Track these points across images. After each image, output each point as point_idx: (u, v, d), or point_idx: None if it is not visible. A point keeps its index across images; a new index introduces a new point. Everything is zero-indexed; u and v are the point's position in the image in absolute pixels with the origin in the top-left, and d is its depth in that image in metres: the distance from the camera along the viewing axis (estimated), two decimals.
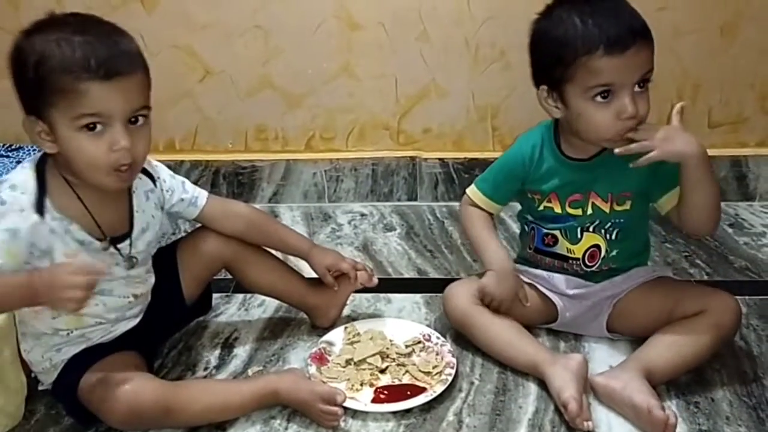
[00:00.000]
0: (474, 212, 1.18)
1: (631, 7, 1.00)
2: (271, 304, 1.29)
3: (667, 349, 1.04)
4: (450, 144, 1.65)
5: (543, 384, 1.05)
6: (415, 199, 1.69)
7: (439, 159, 1.65)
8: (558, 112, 1.04)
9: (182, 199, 1.09)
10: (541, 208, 1.11)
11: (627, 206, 1.08)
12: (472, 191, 1.18)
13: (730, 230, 1.52)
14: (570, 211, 1.09)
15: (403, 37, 1.56)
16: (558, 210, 1.10)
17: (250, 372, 1.12)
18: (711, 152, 1.56)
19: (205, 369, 1.12)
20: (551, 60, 1.01)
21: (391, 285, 1.35)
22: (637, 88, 0.97)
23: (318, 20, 1.55)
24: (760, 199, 1.62)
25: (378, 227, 1.59)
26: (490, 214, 1.18)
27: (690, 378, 1.06)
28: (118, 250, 0.98)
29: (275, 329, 1.22)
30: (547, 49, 1.02)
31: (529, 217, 1.15)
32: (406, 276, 1.39)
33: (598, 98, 0.98)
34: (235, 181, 1.69)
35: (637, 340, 1.11)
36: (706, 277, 1.34)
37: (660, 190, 1.08)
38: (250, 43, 1.57)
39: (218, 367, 1.13)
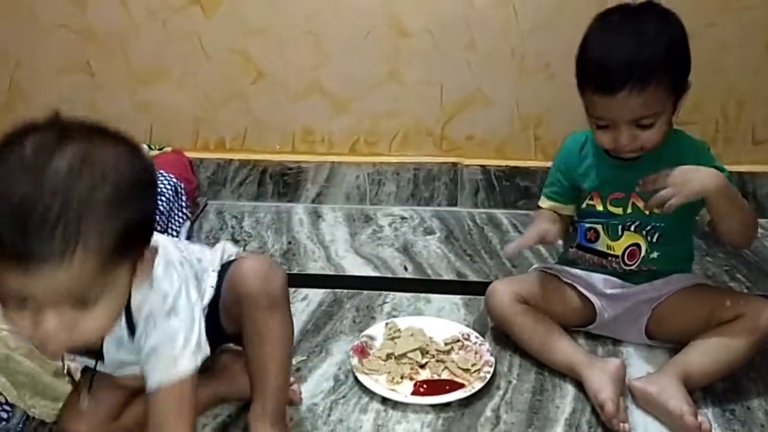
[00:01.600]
0: (542, 211, 1.21)
1: (654, 38, 1.00)
2: (314, 298, 1.34)
3: (704, 355, 1.05)
4: (492, 151, 1.68)
5: (580, 385, 1.07)
6: (456, 205, 1.72)
7: (481, 166, 1.68)
8: None
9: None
10: (584, 205, 1.15)
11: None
12: (542, 200, 1.22)
13: None
14: (611, 209, 1.12)
15: (450, 46, 1.60)
16: (600, 208, 1.13)
17: (294, 362, 1.16)
18: (754, 168, 1.61)
19: None
20: (576, 73, 1.06)
21: (430, 286, 1.39)
22: (638, 126, 1.01)
23: (368, 27, 1.60)
24: None
25: (418, 230, 1.62)
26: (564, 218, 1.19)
27: (726, 386, 1.07)
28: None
29: (318, 322, 1.26)
30: (576, 62, 1.06)
31: (574, 216, 1.18)
32: (446, 278, 1.42)
33: (598, 124, 1.04)
34: (281, 181, 1.74)
35: (675, 348, 1.12)
36: (746, 291, 1.34)
37: (699, 202, 1.09)
38: (302, 48, 1.63)
39: None
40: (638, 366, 1.13)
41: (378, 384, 1.08)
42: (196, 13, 1.61)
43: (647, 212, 1.09)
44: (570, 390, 1.08)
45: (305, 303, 1.32)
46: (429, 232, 1.62)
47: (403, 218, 1.68)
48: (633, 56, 0.98)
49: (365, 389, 1.08)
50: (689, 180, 0.99)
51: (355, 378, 1.10)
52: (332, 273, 1.44)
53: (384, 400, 1.06)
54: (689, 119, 1.40)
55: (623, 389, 1.04)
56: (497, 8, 1.56)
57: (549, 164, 1.56)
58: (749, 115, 1.57)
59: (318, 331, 1.24)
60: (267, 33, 1.62)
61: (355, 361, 1.13)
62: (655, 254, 1.12)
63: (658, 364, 1.12)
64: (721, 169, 1.04)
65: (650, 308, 1.14)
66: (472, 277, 1.42)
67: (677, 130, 1.09)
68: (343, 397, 1.07)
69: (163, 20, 1.61)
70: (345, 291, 1.36)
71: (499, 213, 1.69)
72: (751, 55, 1.54)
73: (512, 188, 1.68)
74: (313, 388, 1.09)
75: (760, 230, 1.57)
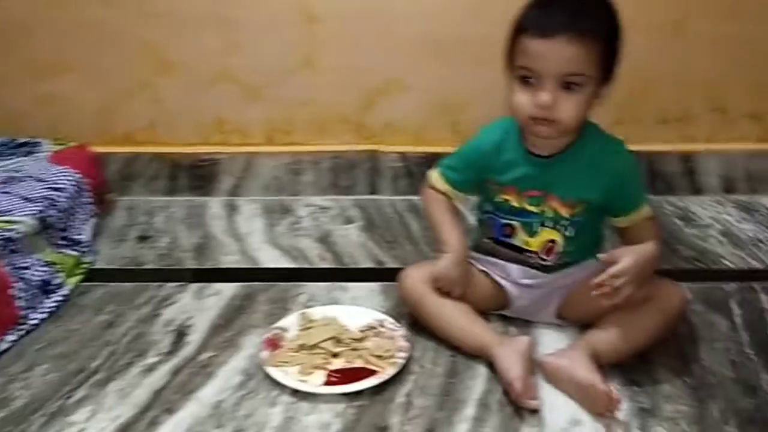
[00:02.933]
0: (435, 195, 1.19)
1: (596, 8, 0.99)
2: (226, 292, 1.29)
3: (614, 333, 1.06)
4: (411, 138, 1.67)
5: (492, 366, 1.06)
6: (376, 193, 1.70)
7: (400, 153, 1.67)
8: None
9: None
10: (500, 199, 1.13)
11: (582, 210, 1.10)
12: (434, 176, 1.20)
13: (680, 223, 1.55)
14: (527, 207, 1.11)
15: (366, 30, 1.58)
16: (515, 204, 1.11)
17: (202, 358, 1.12)
18: (661, 147, 1.64)
19: (157, 355, 1.12)
20: (508, 39, 1.04)
21: (347, 274, 1.36)
22: (563, 87, 0.98)
23: (278, 11, 1.56)
24: (709, 193, 1.66)
25: (338, 220, 1.60)
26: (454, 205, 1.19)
27: (634, 359, 1.08)
28: None
29: (229, 316, 1.22)
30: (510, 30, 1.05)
31: (488, 206, 1.17)
32: (364, 266, 1.40)
33: (523, 81, 1.00)
34: (194, 175, 1.69)
35: (585, 327, 1.13)
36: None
37: (614, 211, 1.10)
38: (210, 33, 1.58)
39: (170, 353, 1.12)
40: (549, 344, 1.13)
41: (287, 376, 1.05)
42: (97, 1, 1.54)
43: (564, 214, 1.09)
44: (482, 371, 1.07)
45: (216, 298, 1.28)
46: (349, 221, 1.59)
47: (322, 208, 1.65)
48: (576, 12, 0.97)
49: (275, 382, 1.05)
50: (641, 276, 1.01)
51: (265, 372, 1.07)
52: (246, 266, 1.40)
53: (294, 392, 1.03)
54: None
55: (532, 367, 1.05)
56: None
57: None
58: (656, 96, 1.60)
59: (228, 326, 1.20)
60: (170, 17, 1.56)
61: (265, 354, 1.09)
62: (570, 248, 1.13)
63: (568, 342, 1.12)
64: (642, 194, 1.10)
65: (562, 293, 1.15)
66: (391, 264, 1.40)
67: (593, 124, 1.08)
68: (252, 391, 1.04)
69: (63, 9, 1.53)
70: (259, 284, 1.32)
71: (419, 200, 1.67)
72: (658, 36, 1.57)
73: None
74: (221, 384, 1.05)
75: (668, 207, 1.62)
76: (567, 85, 0.98)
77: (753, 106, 1.60)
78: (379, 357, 1.09)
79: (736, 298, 1.26)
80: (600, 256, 1.03)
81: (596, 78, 0.99)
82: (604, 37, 0.99)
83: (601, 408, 0.97)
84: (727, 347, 1.13)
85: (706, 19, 1.52)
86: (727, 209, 1.60)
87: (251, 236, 1.52)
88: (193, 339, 1.16)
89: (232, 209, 1.64)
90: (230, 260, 1.42)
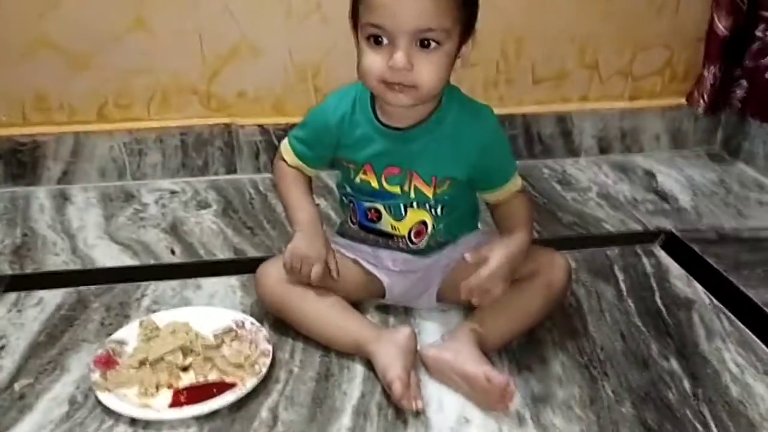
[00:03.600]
0: (285, 169, 1.03)
1: None
2: (51, 300, 1.08)
3: (498, 315, 0.96)
4: (269, 108, 1.49)
5: (370, 364, 0.93)
6: (235, 172, 1.51)
7: (259, 125, 1.49)
8: None
9: None
10: (358, 180, 0.98)
11: (448, 187, 0.97)
12: (285, 148, 1.04)
13: (558, 187, 1.49)
14: (387, 187, 0.97)
15: None
16: (375, 185, 0.97)
17: (17, 387, 0.91)
18: (536, 109, 1.57)
19: None
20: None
21: (201, 269, 1.18)
22: (417, 46, 0.84)
23: None
24: (585, 154, 1.62)
25: (190, 205, 1.40)
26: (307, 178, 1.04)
27: (522, 340, 0.99)
28: None
29: (54, 331, 1.01)
30: None
31: (348, 189, 1.02)
32: (221, 257, 1.22)
33: (372, 41, 0.85)
34: (13, 161, 1.42)
35: (469, 307, 1.02)
36: (536, 235, 1.28)
37: (482, 186, 0.99)
38: None
39: None
40: (432, 330, 1.02)
41: (124, 401, 0.87)
42: None
43: (428, 194, 0.96)
44: (359, 371, 0.94)
45: (38, 309, 1.06)
46: (203, 205, 1.40)
47: (172, 192, 1.45)
48: None
49: (109, 410, 0.86)
50: (512, 272, 0.92)
51: (96, 398, 0.88)
52: (77, 268, 1.18)
53: (132, 421, 0.85)
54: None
55: (415, 361, 0.93)
56: None
57: None
58: (528, 54, 1.52)
59: (53, 343, 0.99)
60: None
61: (96, 375, 0.90)
62: (441, 226, 1.00)
63: (453, 324, 1.02)
64: (510, 165, 0.99)
65: (441, 275, 1.03)
66: (252, 253, 1.23)
67: (454, 89, 0.95)
68: (80, 424, 0.85)
69: None
70: (92, 288, 1.11)
71: None
72: None
73: None
74: (39, 418, 0.86)
75: (546, 171, 1.56)
76: (424, 43, 0.83)
77: (623, 63, 1.56)
78: (238, 366, 0.93)
79: (619, 263, 1.20)
80: (466, 256, 0.91)
81: (455, 33, 0.86)
82: None
83: (493, 401, 0.86)
84: (615, 318, 1.06)
85: None
86: (603, 170, 1.56)
87: (84, 231, 1.29)
88: (6, 364, 0.95)
89: (62, 200, 1.40)
90: (57, 261, 1.20)
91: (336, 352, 0.97)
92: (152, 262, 1.21)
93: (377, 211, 0.99)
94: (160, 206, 1.39)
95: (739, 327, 1.04)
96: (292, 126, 1.44)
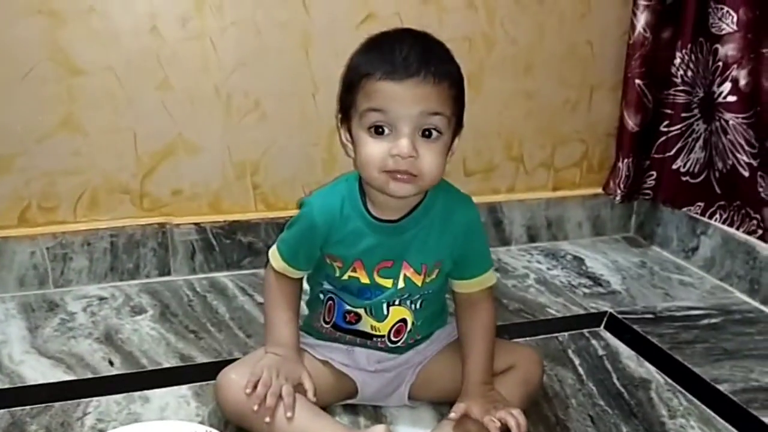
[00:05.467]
0: (271, 282, 1.00)
1: (440, 49, 0.89)
2: None
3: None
4: (206, 206, 1.45)
5: None
6: (169, 274, 1.44)
7: (195, 224, 1.43)
8: (351, 150, 0.92)
9: None
10: (345, 277, 0.96)
11: (436, 276, 0.98)
12: (272, 253, 1.01)
13: (497, 274, 1.52)
14: (379, 281, 0.95)
15: (140, 85, 1.34)
16: (365, 280, 0.95)
17: None
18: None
19: None
20: (343, 87, 0.91)
21: (147, 379, 1.09)
22: (420, 136, 0.86)
23: (28, 64, 1.26)
24: (516, 242, 1.68)
25: (123, 311, 1.30)
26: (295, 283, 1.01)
27: None
28: None
29: None
30: (344, 76, 0.92)
31: (327, 286, 1.00)
32: (166, 365, 1.14)
33: (373, 131, 0.87)
34: None
35: (438, 403, 1.02)
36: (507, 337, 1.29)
37: (461, 272, 1.00)
38: None
39: None
40: (405, 428, 0.99)
41: None
42: None
43: (418, 283, 0.96)
44: None
45: None
46: (138, 311, 1.31)
47: (101, 299, 1.35)
48: (424, 51, 0.86)
49: None
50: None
51: None
52: (6, 386, 1.06)
53: None
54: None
55: None
56: (192, 41, 1.34)
57: (272, 215, 1.38)
58: (460, 148, 1.56)
59: None
60: None
61: None
62: (419, 322, 1.00)
63: (424, 422, 0.99)
64: (488, 258, 1.01)
65: (413, 373, 1.01)
66: (201, 358, 1.16)
67: (442, 179, 0.95)
68: None
69: None
70: (27, 408, 1.00)
71: (223, 276, 1.45)
72: None
73: (234, 246, 1.46)
74: None
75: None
76: (425, 133, 0.86)
77: (545, 156, 1.66)
78: None
79: (572, 347, 1.23)
80: (451, 416, 0.91)
81: (452, 124, 0.89)
82: (456, 78, 0.89)
83: None
84: (581, 402, 1.08)
85: (497, 72, 1.55)
86: (535, 257, 1.62)
87: (7, 346, 1.17)
88: None
89: None
90: None
91: None
92: (90, 375, 1.10)
93: (357, 314, 0.98)
94: (90, 314, 1.29)
95: (697, 404, 1.08)
96: (231, 223, 1.45)
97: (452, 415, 0.91)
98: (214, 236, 1.44)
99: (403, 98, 0.84)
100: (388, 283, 0.95)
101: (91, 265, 1.38)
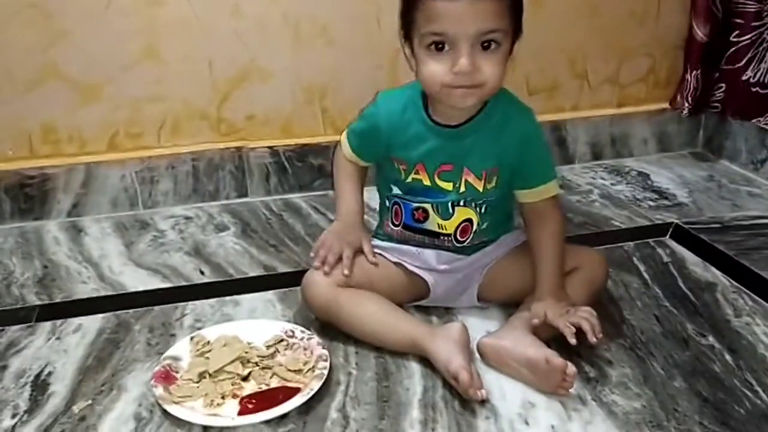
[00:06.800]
0: (340, 163, 1.10)
1: None
2: (91, 326, 1.06)
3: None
4: (278, 131, 1.51)
5: (425, 361, 0.96)
6: (246, 195, 1.52)
7: (268, 148, 1.51)
8: (414, 65, 0.96)
9: None
10: (409, 180, 1.01)
11: (495, 183, 1.01)
12: (343, 140, 1.09)
13: (561, 191, 1.54)
14: (440, 183, 1.00)
15: (213, 14, 1.40)
16: (427, 182, 1.01)
17: (76, 410, 0.89)
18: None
19: (14, 416, 0.88)
20: (403, 4, 0.93)
21: (236, 286, 1.18)
22: (480, 48, 0.89)
23: None
24: (579, 160, 1.69)
25: (208, 228, 1.40)
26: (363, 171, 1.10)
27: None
28: None
29: (101, 354, 1.00)
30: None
31: (396, 190, 1.05)
32: (252, 275, 1.23)
33: (433, 48, 0.90)
34: (21, 195, 1.40)
35: (507, 304, 1.07)
36: None
37: (523, 181, 1.02)
38: (26, 24, 1.31)
39: (31, 411, 0.89)
40: (476, 326, 1.04)
41: (194, 412, 0.87)
42: None
43: (479, 188, 1.00)
44: (416, 368, 0.96)
45: (79, 335, 1.05)
46: (221, 228, 1.40)
47: (187, 218, 1.44)
48: None
49: (180, 421, 0.86)
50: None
51: (164, 411, 0.87)
52: (110, 293, 1.17)
53: (206, 429, 0.85)
54: None
55: (471, 354, 0.95)
56: None
57: (339, 138, 1.43)
58: (522, 67, 1.57)
59: (103, 366, 0.98)
60: None
61: (159, 390, 0.89)
62: (485, 225, 1.04)
63: (495, 323, 1.05)
64: (551, 170, 1.02)
65: (481, 274, 1.07)
66: (282, 268, 1.24)
67: (502, 87, 0.98)
68: None
69: None
70: (131, 311, 1.11)
71: (296, 197, 1.53)
72: None
73: (305, 168, 1.53)
74: None
75: None
76: (485, 45, 0.89)
77: (610, 72, 1.65)
78: (297, 371, 0.94)
79: (637, 256, 1.26)
80: (534, 321, 0.96)
81: (510, 33, 0.91)
82: None
83: (555, 384, 0.89)
84: (646, 304, 1.11)
85: None
86: (600, 174, 1.63)
87: (107, 259, 1.28)
88: (58, 389, 0.93)
89: (76, 231, 1.38)
90: (86, 289, 1.18)
91: (389, 351, 0.99)
92: (184, 283, 1.20)
93: (425, 211, 1.03)
94: (178, 231, 1.39)
95: (762, 303, 1.10)
96: (302, 146, 1.52)
97: (534, 321, 0.95)
98: (286, 159, 1.52)
99: (460, 17, 0.86)
100: (448, 186, 1.00)
101: (175, 187, 1.48)
